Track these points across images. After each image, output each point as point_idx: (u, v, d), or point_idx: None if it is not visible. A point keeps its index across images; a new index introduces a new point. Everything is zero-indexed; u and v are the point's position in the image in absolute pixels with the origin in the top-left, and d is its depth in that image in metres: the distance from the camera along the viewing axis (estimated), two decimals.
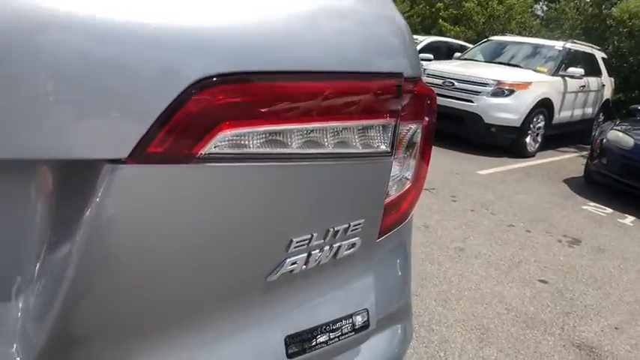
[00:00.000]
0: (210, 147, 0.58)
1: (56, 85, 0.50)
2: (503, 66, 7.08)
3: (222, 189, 0.63)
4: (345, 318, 0.84)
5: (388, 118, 0.74)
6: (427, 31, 15.88)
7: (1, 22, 0.47)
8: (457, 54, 8.44)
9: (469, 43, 10.89)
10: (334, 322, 0.83)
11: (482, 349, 2.20)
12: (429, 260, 3.02)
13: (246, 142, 0.61)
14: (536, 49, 7.46)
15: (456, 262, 3.06)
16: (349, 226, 0.77)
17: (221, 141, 0.59)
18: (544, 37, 10.52)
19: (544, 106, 6.54)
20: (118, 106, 0.53)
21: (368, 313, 0.88)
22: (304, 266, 0.75)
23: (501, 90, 6.19)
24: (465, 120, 6.27)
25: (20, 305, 0.60)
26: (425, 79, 6.78)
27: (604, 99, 8.36)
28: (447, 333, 2.28)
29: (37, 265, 0.60)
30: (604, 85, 8.23)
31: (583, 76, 7.17)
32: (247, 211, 0.66)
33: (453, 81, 6.47)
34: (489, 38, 8.71)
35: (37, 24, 0.48)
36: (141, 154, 0.55)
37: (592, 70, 7.78)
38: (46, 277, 0.60)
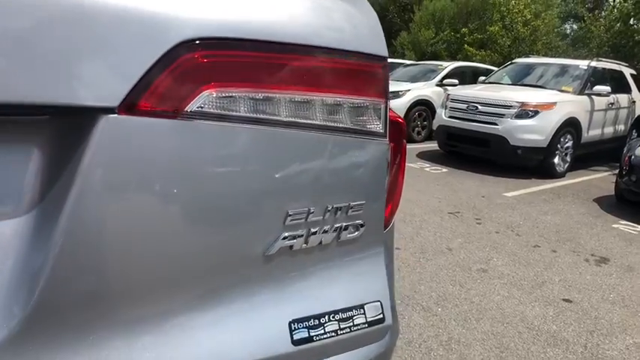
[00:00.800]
0: (196, 104, 0.62)
1: (50, 30, 0.53)
2: (527, 87, 7.10)
3: (212, 147, 0.65)
4: (356, 307, 0.81)
5: (376, 99, 0.79)
6: (453, 57, 16.04)
7: None
8: (482, 78, 8.52)
9: (495, 66, 10.93)
10: (344, 310, 0.80)
11: None
12: (450, 282, 3.07)
13: (234, 105, 0.65)
14: (561, 69, 7.44)
15: (477, 283, 3.09)
16: (350, 206, 0.78)
17: (207, 100, 0.63)
18: (571, 57, 10.46)
19: (571, 125, 6.50)
20: (109, 56, 0.56)
21: (382, 306, 0.84)
22: (305, 244, 0.74)
23: (525, 111, 6.21)
24: (491, 143, 6.31)
25: (10, 263, 0.60)
26: (449, 104, 6.89)
27: (635, 115, 8.20)
28: (465, 352, 2.32)
29: (29, 219, 0.60)
30: (634, 102, 8.08)
31: (610, 93, 7.09)
32: (239, 175, 0.67)
33: (476, 105, 6.54)
34: (514, 60, 8.74)
35: None
36: (132, 107, 0.58)
37: (621, 87, 7.68)
38: (38, 234, 0.60)
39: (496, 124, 6.28)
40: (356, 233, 0.80)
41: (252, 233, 0.71)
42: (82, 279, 0.61)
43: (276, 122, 0.68)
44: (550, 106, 6.26)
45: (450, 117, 6.89)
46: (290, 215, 0.72)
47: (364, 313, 0.82)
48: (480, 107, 6.50)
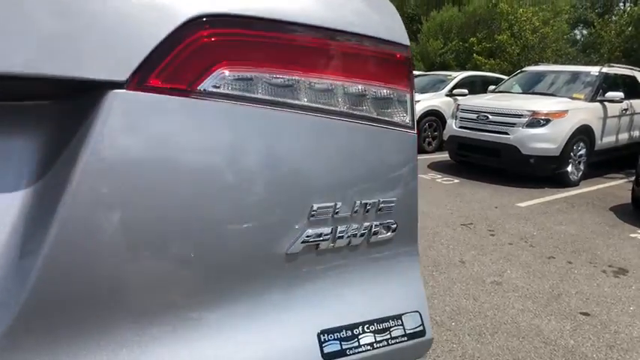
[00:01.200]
0: (209, 83, 0.59)
1: (56, 1, 0.51)
2: (537, 96, 7.05)
3: (226, 130, 0.60)
4: (393, 318, 0.74)
5: (401, 88, 0.75)
6: (462, 66, 16.02)
7: None
8: (491, 87, 8.48)
9: (505, 75, 10.88)
10: (379, 320, 0.72)
11: None
12: (464, 295, 3.02)
13: (250, 86, 0.62)
14: (572, 77, 7.38)
15: (492, 296, 3.04)
16: (380, 204, 0.73)
17: (221, 79, 0.60)
18: (582, 63, 10.37)
19: (584, 133, 6.42)
20: (117, 29, 0.54)
21: (421, 317, 0.77)
22: (332, 244, 0.68)
23: (537, 120, 6.15)
24: (502, 152, 6.26)
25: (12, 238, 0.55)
26: (460, 114, 6.86)
27: None
28: None
29: (31, 198, 0.57)
30: None
31: (624, 99, 7.00)
32: (257, 160, 0.63)
33: (487, 114, 6.51)
34: (523, 69, 8.69)
35: None
36: (141, 82, 0.56)
37: (634, 92, 7.57)
38: (36, 216, 0.55)
39: (507, 134, 6.23)
40: (388, 234, 0.75)
41: (272, 228, 0.64)
42: (85, 267, 0.55)
43: (295, 106, 0.64)
44: (561, 114, 6.19)
45: (461, 127, 6.85)
46: (314, 210, 0.66)
47: (402, 325, 0.74)
48: (490, 117, 6.46)
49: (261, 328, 0.64)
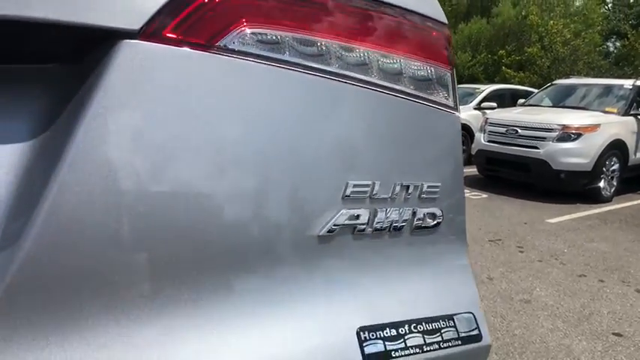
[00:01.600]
0: (230, 39, 0.55)
1: None
2: (568, 109, 6.94)
3: (251, 90, 0.56)
4: (444, 318, 0.66)
5: (441, 65, 0.72)
6: (491, 79, 15.88)
7: None
8: (521, 100, 8.39)
9: (534, 88, 10.75)
10: (428, 320, 0.65)
11: None
12: (491, 313, 2.99)
13: (276, 47, 0.57)
14: (604, 90, 7.24)
15: (520, 314, 3.01)
16: (422, 187, 0.67)
17: (243, 37, 0.56)
18: (614, 76, 10.15)
19: (617, 147, 6.28)
20: None
21: (475, 319, 0.70)
22: (370, 228, 0.62)
23: (568, 134, 6.06)
24: (532, 167, 6.18)
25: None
26: (488, 128, 6.81)
27: None
28: None
29: (31, 154, 0.52)
30: None
31: None
32: (282, 126, 0.57)
33: (516, 128, 6.45)
34: (554, 82, 8.58)
35: None
36: (156, 33, 0.51)
37: None
38: (36, 173, 0.50)
39: (537, 148, 6.15)
40: (433, 222, 0.69)
41: (301, 204, 0.57)
42: (86, 231, 0.49)
43: (325, 72, 0.60)
44: (594, 128, 6.08)
45: (489, 141, 6.80)
46: (350, 188, 0.60)
47: (455, 326, 0.66)
48: (519, 131, 6.39)
49: (288, 326, 0.56)
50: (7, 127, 0.51)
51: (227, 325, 0.54)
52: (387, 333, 0.60)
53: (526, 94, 9.23)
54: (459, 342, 0.66)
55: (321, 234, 0.58)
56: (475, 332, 0.68)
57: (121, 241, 0.50)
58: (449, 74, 0.73)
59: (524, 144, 6.31)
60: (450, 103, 0.73)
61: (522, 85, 11.96)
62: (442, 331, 0.65)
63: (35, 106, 0.52)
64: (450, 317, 0.67)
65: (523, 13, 16.96)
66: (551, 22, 14.92)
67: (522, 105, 7.93)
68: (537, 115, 6.69)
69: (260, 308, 0.56)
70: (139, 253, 0.51)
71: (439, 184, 0.69)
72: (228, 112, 0.54)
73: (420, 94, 0.68)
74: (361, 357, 0.57)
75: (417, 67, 0.69)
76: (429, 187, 0.68)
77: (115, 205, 0.50)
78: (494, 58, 17.52)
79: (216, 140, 0.54)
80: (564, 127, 6.07)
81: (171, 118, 0.52)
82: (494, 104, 8.62)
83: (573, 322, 2.94)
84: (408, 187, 0.66)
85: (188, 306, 0.53)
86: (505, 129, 6.57)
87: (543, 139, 6.15)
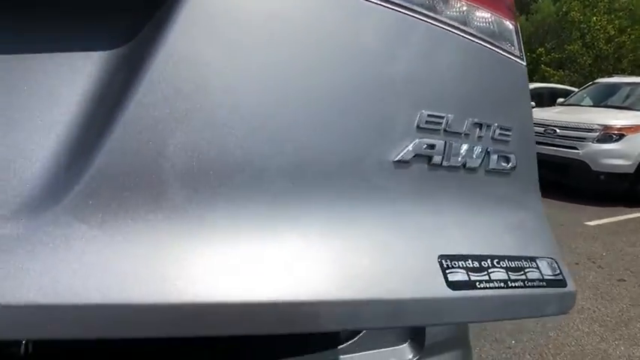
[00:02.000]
0: None
1: None
2: (610, 109, 6.72)
3: (329, 17, 0.57)
4: (526, 259, 0.66)
5: (507, 18, 0.74)
6: (529, 78, 15.47)
7: None
8: (560, 99, 8.18)
9: (575, 87, 10.45)
10: (510, 258, 0.64)
11: None
12: None
13: None
14: None
15: (555, 316, 2.96)
16: (495, 127, 0.69)
17: None
18: None
19: None
20: None
21: (558, 265, 0.70)
22: (445, 161, 0.63)
23: (609, 135, 5.88)
24: (570, 168, 6.02)
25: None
26: None
27: None
28: None
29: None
30: None
31: None
32: (370, 57, 0.59)
33: (554, 128, 6.29)
34: (595, 81, 8.32)
35: None
36: None
37: None
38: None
39: (576, 149, 5.99)
40: (507, 165, 0.70)
41: (377, 129, 0.59)
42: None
43: (403, 7, 0.61)
44: (637, 128, 5.88)
45: None
46: (425, 118, 0.61)
47: (538, 268, 0.66)
48: (558, 131, 6.24)
49: (366, 244, 0.57)
50: (91, 36, 0.50)
51: (324, 234, 0.55)
52: (469, 264, 0.61)
53: (566, 93, 8.99)
54: (544, 283, 0.65)
55: (397, 160, 0.59)
56: (559, 277, 0.68)
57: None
58: (513, 27, 0.75)
59: (562, 144, 6.15)
60: (517, 52, 0.74)
61: (562, 83, 11.65)
62: (526, 270, 0.64)
63: (121, 18, 0.51)
64: (533, 259, 0.66)
65: (564, 9, 16.45)
66: (594, 18, 14.42)
67: (562, 104, 7.73)
68: (577, 114, 6.51)
69: (342, 220, 0.57)
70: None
71: (511, 126, 0.70)
72: (323, 42, 0.56)
73: (490, 40, 0.70)
74: (445, 283, 0.57)
75: (486, 15, 0.70)
76: (501, 128, 0.69)
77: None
78: (533, 56, 17.07)
79: (309, 69, 0.55)
80: (605, 127, 5.89)
81: (265, 43, 0.52)
82: (533, 103, 8.41)
83: (611, 327, 2.88)
84: (480, 125, 0.67)
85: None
86: (543, 129, 6.41)
87: (583, 139, 5.98)
